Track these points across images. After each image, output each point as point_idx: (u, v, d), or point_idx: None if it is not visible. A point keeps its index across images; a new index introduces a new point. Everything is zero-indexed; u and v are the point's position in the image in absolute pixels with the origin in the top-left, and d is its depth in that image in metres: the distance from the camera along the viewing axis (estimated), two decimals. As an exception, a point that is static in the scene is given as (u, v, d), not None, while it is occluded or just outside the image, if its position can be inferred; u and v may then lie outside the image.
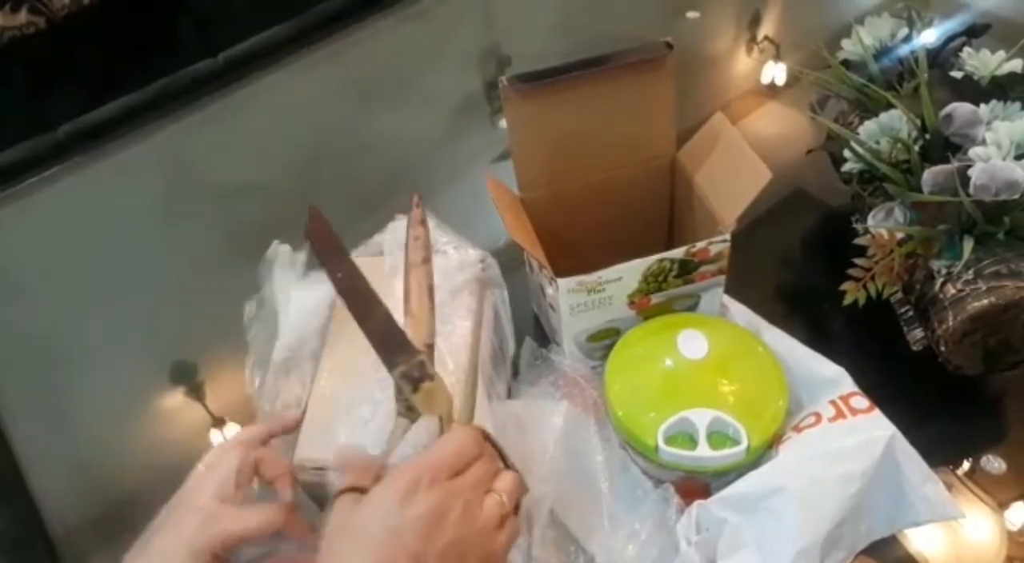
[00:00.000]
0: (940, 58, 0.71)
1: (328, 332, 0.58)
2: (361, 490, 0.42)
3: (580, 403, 0.59)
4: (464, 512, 0.41)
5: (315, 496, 0.52)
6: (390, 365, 0.46)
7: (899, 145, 0.65)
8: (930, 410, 0.63)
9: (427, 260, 0.52)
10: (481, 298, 0.60)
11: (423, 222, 0.54)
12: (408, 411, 0.46)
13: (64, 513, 0.66)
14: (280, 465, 0.49)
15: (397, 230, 0.61)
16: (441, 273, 0.58)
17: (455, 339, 0.56)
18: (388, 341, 0.47)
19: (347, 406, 0.53)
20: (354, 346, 0.50)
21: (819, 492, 0.49)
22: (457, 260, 0.60)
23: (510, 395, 0.63)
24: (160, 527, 0.45)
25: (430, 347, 0.49)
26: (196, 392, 0.73)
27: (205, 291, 0.82)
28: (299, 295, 0.58)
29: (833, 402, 0.54)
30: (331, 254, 0.51)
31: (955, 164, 0.60)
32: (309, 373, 0.56)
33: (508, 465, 0.45)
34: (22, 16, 1.28)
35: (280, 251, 0.60)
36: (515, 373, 0.66)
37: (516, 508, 0.43)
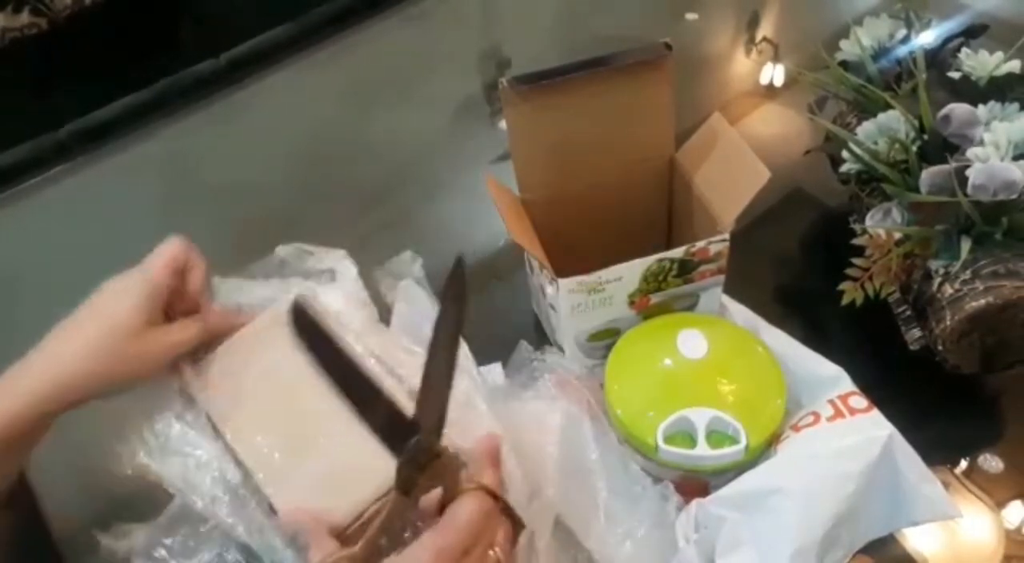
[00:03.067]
0: (938, 59, 0.71)
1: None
2: (348, 560, 0.40)
3: (575, 403, 0.59)
4: None
5: None
6: (398, 452, 0.42)
7: (897, 145, 0.65)
8: (928, 410, 0.63)
9: (455, 339, 0.46)
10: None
11: (458, 297, 0.46)
12: (403, 486, 0.42)
13: (65, 513, 0.66)
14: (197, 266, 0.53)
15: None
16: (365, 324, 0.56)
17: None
18: (393, 430, 0.42)
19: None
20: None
21: (817, 491, 0.49)
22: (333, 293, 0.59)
23: (502, 396, 0.62)
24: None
25: (437, 423, 0.44)
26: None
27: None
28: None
29: (831, 401, 0.54)
30: (324, 348, 0.44)
31: (953, 164, 0.60)
32: None
33: (510, 513, 0.43)
34: (24, 17, 1.29)
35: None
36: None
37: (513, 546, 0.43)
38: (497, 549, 0.42)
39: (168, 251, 0.51)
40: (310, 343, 0.43)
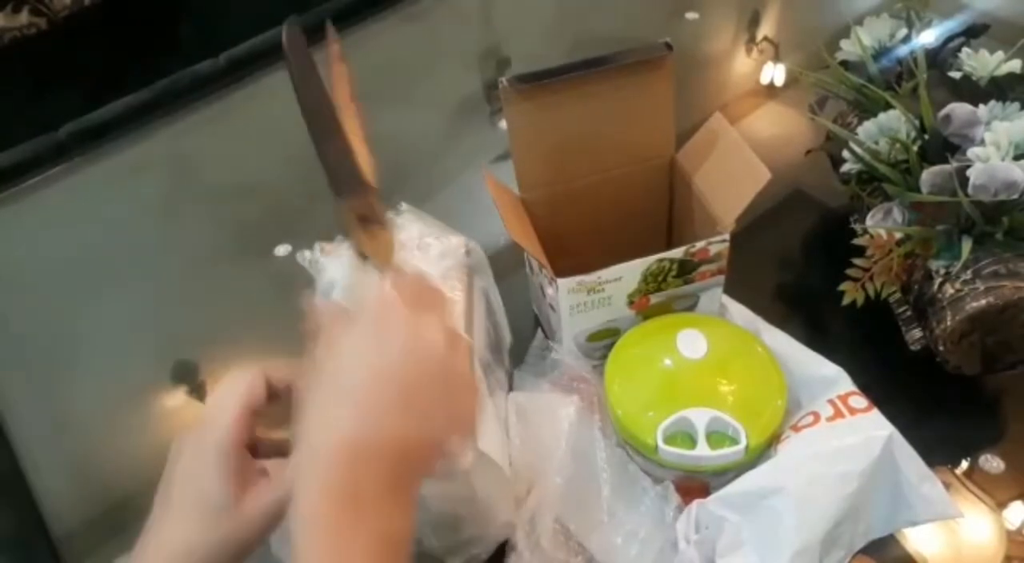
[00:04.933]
0: (939, 58, 0.71)
1: None
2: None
3: (585, 399, 0.59)
4: (438, 339, 0.40)
5: None
6: (340, 195, 0.44)
7: (898, 145, 0.65)
8: (928, 410, 0.63)
9: (355, 98, 0.49)
10: (470, 284, 0.59)
11: (341, 58, 0.51)
12: (361, 254, 0.44)
13: (65, 513, 0.66)
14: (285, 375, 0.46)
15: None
16: (425, 263, 0.57)
17: None
18: (343, 172, 0.45)
19: None
20: None
21: (818, 491, 0.49)
22: (439, 248, 0.60)
23: (511, 384, 0.63)
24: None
25: (373, 187, 0.46)
26: (197, 392, 0.73)
27: (206, 291, 0.82)
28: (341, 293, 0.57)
29: (831, 401, 0.54)
30: (303, 72, 0.48)
31: (954, 164, 0.60)
32: None
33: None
34: (23, 17, 1.29)
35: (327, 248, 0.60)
36: (517, 363, 0.65)
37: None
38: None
39: (232, 399, 0.43)
40: (296, 62, 0.45)
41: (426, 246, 0.60)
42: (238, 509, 0.41)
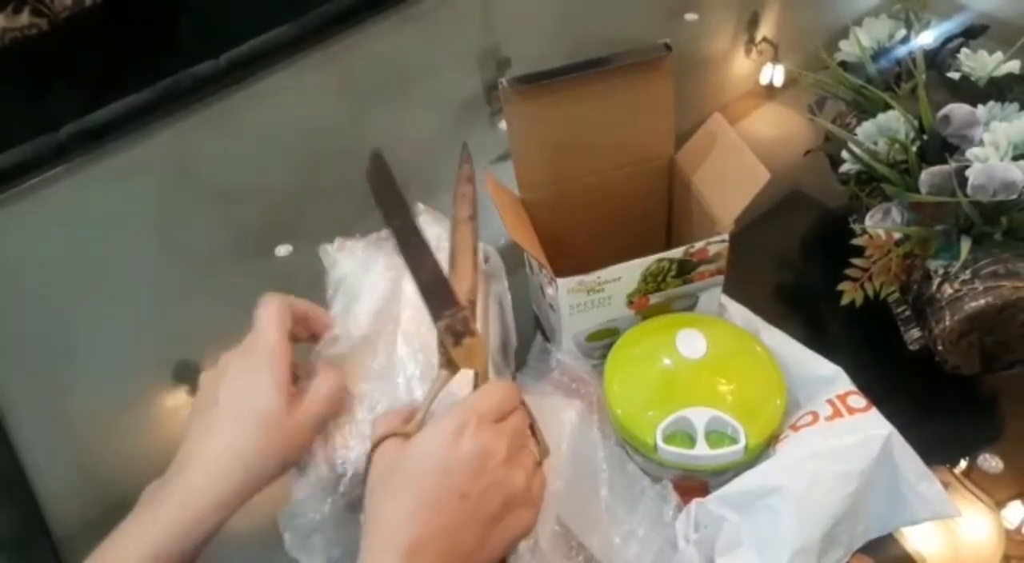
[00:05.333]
0: (938, 59, 0.71)
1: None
2: (403, 436, 0.43)
3: (585, 399, 0.59)
4: (508, 456, 0.42)
5: None
6: (435, 316, 0.48)
7: (897, 146, 0.65)
8: (927, 409, 0.64)
9: (473, 217, 0.53)
10: (486, 290, 0.60)
11: (470, 179, 0.55)
12: (448, 364, 0.47)
13: (66, 512, 0.66)
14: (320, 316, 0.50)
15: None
16: (443, 266, 0.58)
17: None
18: (436, 292, 0.49)
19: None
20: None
21: (816, 491, 0.49)
22: None
23: None
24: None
25: (472, 303, 0.50)
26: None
27: (207, 291, 0.82)
28: (353, 280, 0.57)
29: (830, 401, 0.54)
30: (390, 200, 0.53)
31: (953, 165, 0.60)
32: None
33: (534, 427, 0.47)
34: (24, 17, 1.29)
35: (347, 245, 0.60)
36: (519, 366, 0.66)
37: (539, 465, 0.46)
38: (535, 448, 0.45)
39: (275, 316, 0.47)
40: (379, 192, 0.50)
41: (445, 249, 0.60)
42: (288, 419, 0.44)
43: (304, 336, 0.52)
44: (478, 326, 0.56)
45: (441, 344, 0.47)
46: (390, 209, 0.52)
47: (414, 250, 0.51)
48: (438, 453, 0.41)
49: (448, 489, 0.40)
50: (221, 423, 0.44)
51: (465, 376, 0.47)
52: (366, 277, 0.54)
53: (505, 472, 0.42)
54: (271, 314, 0.47)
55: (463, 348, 0.47)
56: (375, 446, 0.43)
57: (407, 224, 0.52)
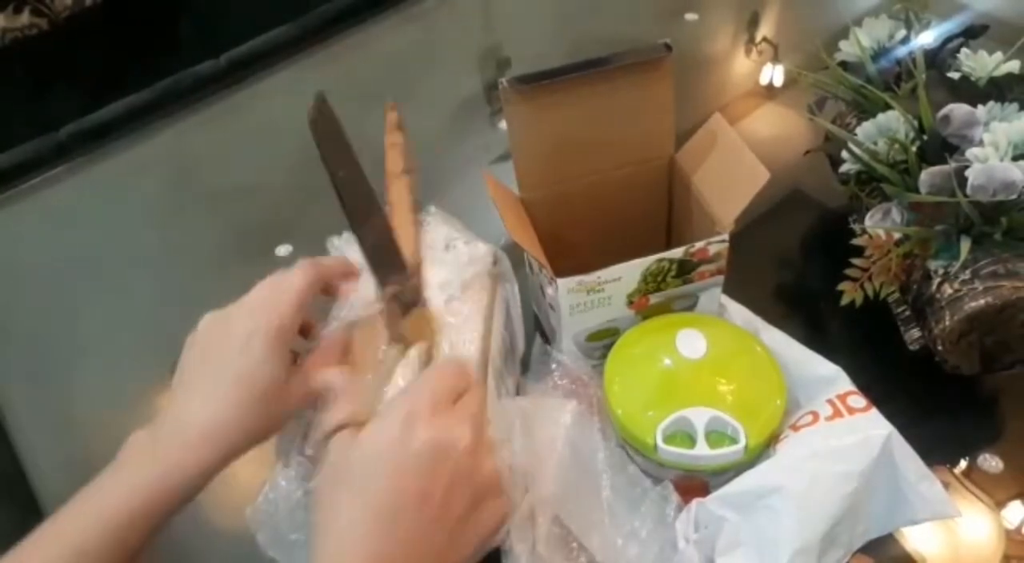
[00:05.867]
0: (938, 59, 0.71)
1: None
2: (356, 427, 0.39)
3: (584, 400, 0.59)
4: (472, 443, 0.38)
5: None
6: (382, 282, 0.43)
7: (897, 146, 0.65)
8: (927, 409, 0.64)
9: (408, 170, 0.47)
10: (493, 292, 0.60)
11: (400, 128, 0.49)
12: (396, 338, 0.43)
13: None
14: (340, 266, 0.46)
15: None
16: (452, 267, 0.58)
17: (467, 332, 0.56)
18: (383, 256, 0.44)
19: None
20: None
21: (817, 491, 0.49)
22: (468, 254, 0.60)
23: (519, 391, 0.64)
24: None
25: (418, 266, 0.45)
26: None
27: (207, 291, 0.82)
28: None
29: (830, 401, 0.54)
30: (335, 149, 0.46)
31: (952, 165, 0.60)
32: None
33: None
34: (24, 17, 1.29)
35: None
36: (524, 370, 0.66)
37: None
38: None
39: (300, 292, 0.44)
40: (323, 140, 0.43)
41: (455, 249, 0.59)
42: (279, 393, 0.42)
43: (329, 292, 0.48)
44: (484, 331, 0.55)
45: (388, 315, 0.43)
46: (334, 159, 0.45)
47: (360, 207, 0.44)
48: (388, 452, 0.36)
49: (404, 493, 0.36)
50: (214, 393, 0.43)
51: (419, 352, 0.42)
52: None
53: (470, 462, 0.37)
54: (289, 284, 0.44)
55: (412, 319, 0.43)
56: (328, 437, 0.40)
57: (354, 176, 0.46)
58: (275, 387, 0.42)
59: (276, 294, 0.44)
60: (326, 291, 0.47)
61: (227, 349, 0.43)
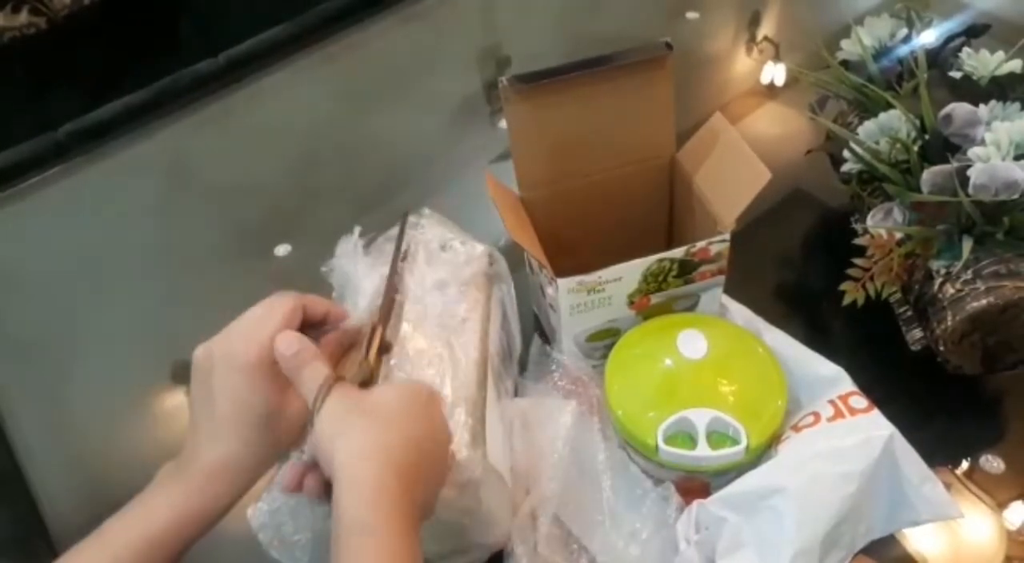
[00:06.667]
0: (939, 58, 0.71)
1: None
2: (350, 384, 0.44)
3: (584, 401, 0.59)
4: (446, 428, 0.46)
5: None
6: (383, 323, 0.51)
7: (898, 145, 0.65)
8: (929, 410, 0.63)
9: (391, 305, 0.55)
10: (489, 293, 0.60)
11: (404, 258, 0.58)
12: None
13: (65, 513, 0.66)
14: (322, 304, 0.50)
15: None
16: (449, 267, 0.58)
17: (466, 334, 0.56)
18: (387, 312, 0.52)
19: None
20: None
21: (818, 491, 0.49)
22: (464, 254, 0.60)
23: (517, 392, 0.63)
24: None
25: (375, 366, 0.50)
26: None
27: (205, 290, 0.82)
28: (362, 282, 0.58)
29: (832, 402, 0.54)
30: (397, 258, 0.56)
31: (954, 164, 0.60)
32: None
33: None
34: (23, 17, 1.29)
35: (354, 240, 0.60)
36: (521, 370, 0.66)
37: None
38: None
39: (279, 321, 0.46)
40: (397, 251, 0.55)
41: (452, 249, 0.60)
42: (279, 418, 0.44)
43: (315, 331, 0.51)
44: (481, 332, 0.57)
45: (371, 335, 0.50)
46: (392, 275, 0.55)
47: (390, 288, 0.54)
48: (408, 399, 0.44)
49: (414, 433, 0.42)
50: (226, 434, 0.44)
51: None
52: (367, 277, 0.54)
53: (443, 446, 0.45)
54: (270, 313, 0.46)
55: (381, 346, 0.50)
56: (323, 392, 0.43)
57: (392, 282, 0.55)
58: (273, 414, 0.44)
59: (258, 324, 0.46)
60: (309, 323, 0.49)
61: (218, 384, 0.44)
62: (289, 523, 0.48)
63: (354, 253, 0.57)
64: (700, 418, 0.54)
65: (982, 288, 0.58)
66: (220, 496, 0.44)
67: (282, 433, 0.45)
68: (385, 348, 0.51)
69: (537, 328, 0.70)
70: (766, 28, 1.10)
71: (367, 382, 0.48)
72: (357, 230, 0.59)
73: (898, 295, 0.66)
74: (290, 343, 0.44)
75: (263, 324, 0.45)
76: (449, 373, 0.51)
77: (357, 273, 0.56)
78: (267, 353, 0.44)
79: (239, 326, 0.46)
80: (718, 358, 0.57)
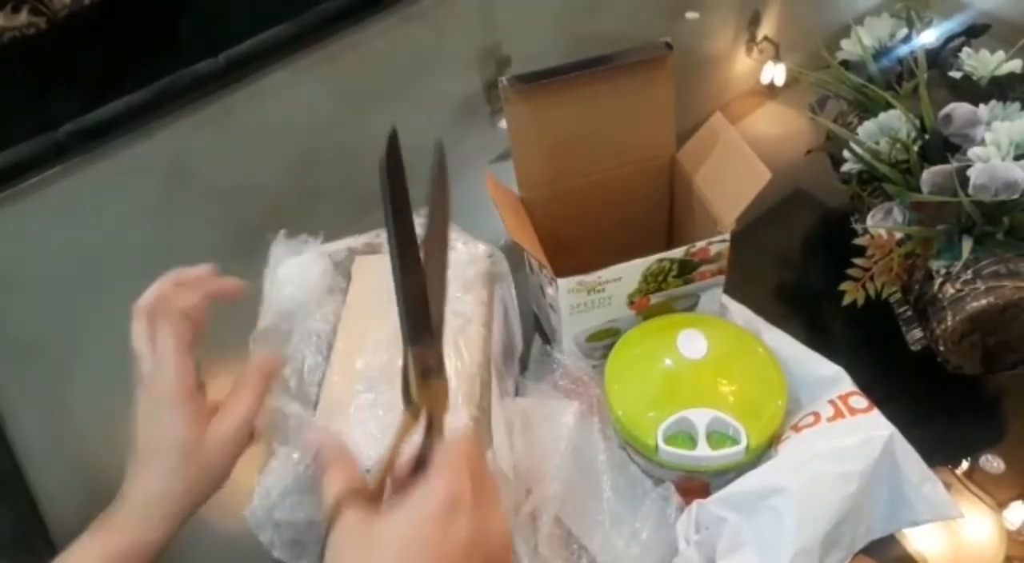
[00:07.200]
0: (939, 58, 0.71)
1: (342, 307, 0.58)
2: (364, 501, 0.38)
3: (584, 401, 0.59)
4: (506, 540, 0.38)
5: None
6: (411, 340, 0.41)
7: (898, 145, 0.65)
8: (929, 410, 0.63)
9: (446, 231, 0.49)
10: (491, 292, 0.60)
11: (446, 186, 0.51)
12: (408, 401, 0.41)
13: (65, 513, 0.66)
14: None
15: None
16: (452, 267, 0.57)
17: (470, 334, 0.55)
18: (416, 316, 0.42)
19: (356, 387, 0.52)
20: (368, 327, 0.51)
21: (818, 491, 0.49)
22: (467, 254, 0.60)
23: (517, 391, 0.63)
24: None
25: (441, 332, 0.44)
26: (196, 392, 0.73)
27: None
28: (286, 271, 0.58)
29: (832, 402, 0.54)
30: (397, 191, 0.46)
31: (954, 164, 0.60)
32: (283, 344, 0.56)
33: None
34: (23, 17, 1.29)
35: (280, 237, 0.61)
36: (522, 370, 0.66)
37: None
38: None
39: (169, 339, 0.47)
40: (390, 177, 0.45)
41: (455, 249, 0.60)
42: (201, 448, 0.44)
43: (205, 303, 0.51)
44: (485, 332, 0.55)
45: (405, 372, 0.41)
46: (397, 201, 0.46)
47: (408, 257, 0.44)
48: (429, 537, 0.34)
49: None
50: (144, 468, 0.45)
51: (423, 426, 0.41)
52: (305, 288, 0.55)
53: (496, 551, 0.37)
54: (165, 337, 0.47)
55: (428, 387, 0.41)
56: (335, 513, 0.37)
57: (408, 225, 0.45)
58: (193, 447, 0.44)
59: (158, 359, 0.47)
60: (200, 309, 0.50)
61: (141, 423, 0.46)
62: (282, 509, 0.49)
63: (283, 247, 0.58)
64: (700, 418, 0.54)
65: (982, 288, 0.58)
66: (156, 531, 0.43)
67: (208, 465, 0.44)
68: (429, 368, 0.41)
69: (537, 328, 0.70)
70: (766, 28, 1.10)
71: (423, 454, 0.40)
72: (282, 233, 0.60)
73: (898, 295, 0.66)
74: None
75: (162, 357, 0.47)
76: (454, 373, 0.51)
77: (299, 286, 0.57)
78: (177, 383, 0.45)
79: (146, 364, 0.47)
80: (718, 358, 0.57)
